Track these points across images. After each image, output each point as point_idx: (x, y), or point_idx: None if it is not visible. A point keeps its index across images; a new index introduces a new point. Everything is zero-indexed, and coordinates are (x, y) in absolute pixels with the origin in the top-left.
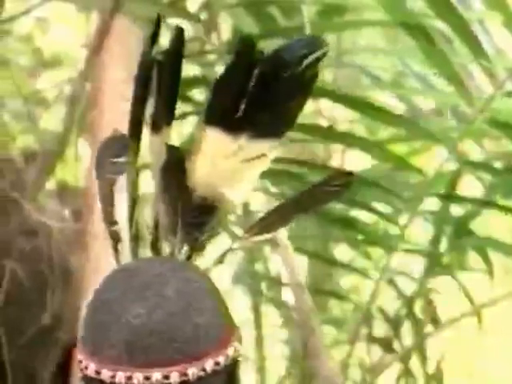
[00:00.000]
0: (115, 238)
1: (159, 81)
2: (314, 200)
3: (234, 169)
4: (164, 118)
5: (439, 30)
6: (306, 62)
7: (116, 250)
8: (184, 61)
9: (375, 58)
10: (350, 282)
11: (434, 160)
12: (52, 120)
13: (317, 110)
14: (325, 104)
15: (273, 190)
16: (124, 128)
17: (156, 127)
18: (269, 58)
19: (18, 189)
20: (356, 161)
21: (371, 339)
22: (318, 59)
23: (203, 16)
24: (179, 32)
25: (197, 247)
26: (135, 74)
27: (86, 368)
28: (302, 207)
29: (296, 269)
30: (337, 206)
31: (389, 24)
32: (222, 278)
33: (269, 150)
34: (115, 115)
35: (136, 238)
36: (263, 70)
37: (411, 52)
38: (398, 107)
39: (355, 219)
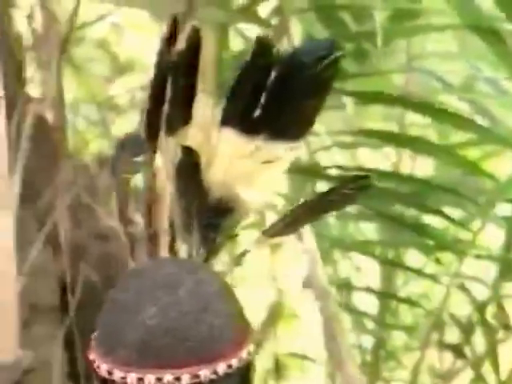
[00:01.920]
0: (131, 238)
1: (175, 82)
2: (330, 203)
3: (251, 170)
4: (179, 119)
5: (511, 32)
6: (323, 63)
7: (132, 249)
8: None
9: (446, 62)
10: (421, 287)
11: (506, 165)
12: (125, 126)
13: (387, 115)
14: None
15: None
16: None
17: (171, 129)
18: (286, 58)
19: (91, 194)
20: (427, 166)
21: (442, 345)
22: (336, 61)
23: (274, 21)
24: (195, 32)
25: (213, 249)
26: (152, 75)
27: (99, 368)
28: (318, 210)
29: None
30: (408, 212)
31: (459, 27)
32: (293, 281)
33: (286, 152)
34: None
35: (153, 239)
36: (280, 70)
37: (482, 56)
38: (469, 112)
39: (426, 224)
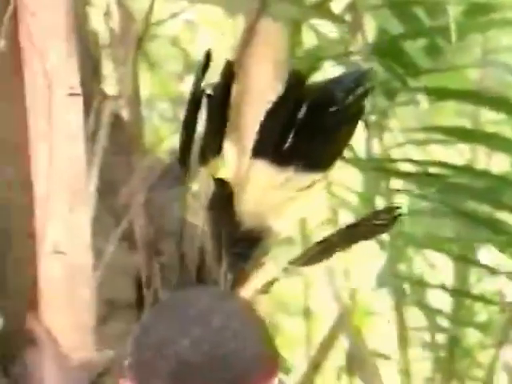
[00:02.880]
0: (162, 267)
1: (209, 113)
2: (360, 234)
3: (282, 200)
4: (212, 150)
5: None
6: (353, 95)
7: (163, 279)
8: (329, 62)
9: None
10: (495, 284)
11: None
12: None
13: (461, 111)
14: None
15: (417, 191)
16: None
17: (204, 159)
18: (317, 91)
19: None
20: (502, 162)
21: None
22: (366, 93)
23: (348, 17)
24: (229, 65)
25: (241, 277)
26: (186, 104)
27: None
28: (347, 241)
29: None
30: (482, 208)
31: None
32: (367, 278)
33: (316, 182)
34: (260, 116)
35: (182, 267)
36: (311, 103)
37: None
38: None
39: (501, 221)
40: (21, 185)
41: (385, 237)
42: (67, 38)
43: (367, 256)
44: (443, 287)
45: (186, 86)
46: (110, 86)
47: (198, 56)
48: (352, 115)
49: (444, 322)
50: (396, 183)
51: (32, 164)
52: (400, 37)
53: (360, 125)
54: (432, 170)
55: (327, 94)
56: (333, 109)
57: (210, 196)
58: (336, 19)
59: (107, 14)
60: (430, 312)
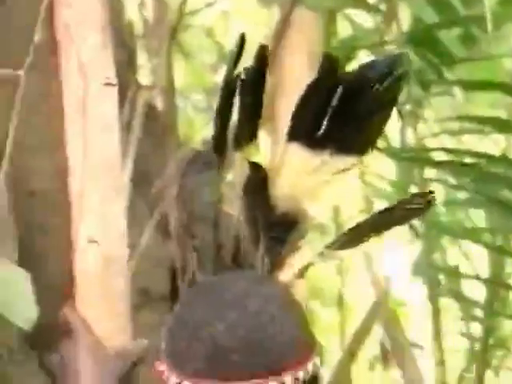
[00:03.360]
0: (197, 251)
1: (242, 98)
2: (394, 218)
3: (317, 184)
4: (247, 135)
5: None
6: (387, 80)
7: (199, 263)
8: (364, 52)
9: None
10: None
11: None
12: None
13: (496, 101)
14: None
15: (452, 181)
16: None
17: (239, 144)
18: (352, 75)
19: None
20: None
21: None
22: (401, 78)
23: (382, 6)
24: (262, 49)
25: (278, 261)
26: (220, 90)
27: (168, 379)
28: (382, 225)
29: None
30: None
31: None
32: (401, 268)
33: (351, 166)
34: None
35: (218, 251)
36: (346, 87)
37: None
38: None
39: None
40: (57, 176)
41: (420, 227)
42: (103, 29)
43: (401, 246)
44: (478, 277)
45: (220, 77)
46: (144, 77)
47: (232, 46)
48: (387, 100)
49: (479, 313)
50: (430, 173)
51: (68, 155)
52: (435, 26)
53: (394, 114)
54: (467, 159)
55: (361, 79)
56: (367, 93)
57: (244, 181)
58: (371, 8)
59: (142, 4)
60: (465, 302)
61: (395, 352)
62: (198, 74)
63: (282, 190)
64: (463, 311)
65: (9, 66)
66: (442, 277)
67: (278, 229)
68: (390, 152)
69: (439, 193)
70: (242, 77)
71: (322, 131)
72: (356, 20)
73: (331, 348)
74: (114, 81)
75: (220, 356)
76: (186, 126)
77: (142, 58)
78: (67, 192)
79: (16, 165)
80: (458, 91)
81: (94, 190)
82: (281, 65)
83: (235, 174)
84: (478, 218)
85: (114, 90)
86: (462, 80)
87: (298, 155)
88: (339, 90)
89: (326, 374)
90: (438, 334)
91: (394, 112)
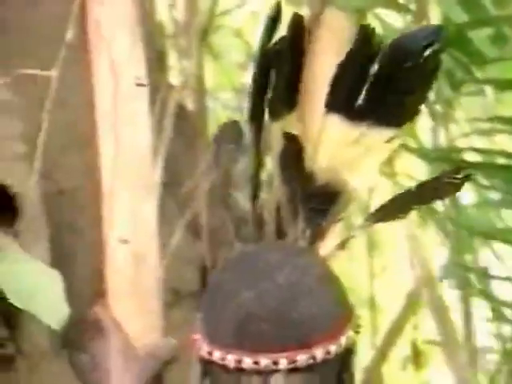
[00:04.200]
0: (236, 223)
1: (279, 68)
2: (434, 192)
3: (356, 156)
4: (283, 105)
5: None
6: (427, 52)
7: (237, 235)
8: None
9: None
10: None
11: None
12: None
13: None
14: None
15: (483, 182)
16: (319, 116)
17: (275, 115)
18: (389, 46)
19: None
20: None
21: None
22: (440, 50)
23: (412, 6)
24: (298, 18)
25: (319, 233)
26: (255, 60)
27: (200, 349)
28: (422, 198)
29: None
30: None
31: None
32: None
33: (391, 139)
34: (317, 102)
35: (259, 223)
36: (384, 58)
37: None
38: None
39: None
40: (87, 175)
41: (450, 227)
42: (133, 28)
43: (432, 247)
44: (509, 278)
45: (250, 77)
46: (174, 77)
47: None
48: (426, 72)
49: (510, 314)
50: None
51: (99, 154)
52: (465, 26)
53: (426, 114)
54: (498, 160)
55: (401, 49)
56: (406, 65)
57: (280, 152)
58: (401, 8)
59: (172, 4)
60: (496, 303)
61: (427, 352)
62: (228, 74)
63: (321, 161)
64: (494, 312)
65: (41, 64)
66: (472, 278)
67: (318, 200)
68: (421, 152)
69: (470, 194)
70: (278, 46)
71: (360, 102)
72: (386, 20)
73: (362, 348)
74: (145, 81)
75: (248, 326)
76: (216, 125)
77: (172, 59)
78: (97, 191)
79: (46, 163)
80: (488, 91)
81: (124, 189)
82: (311, 65)
83: (272, 144)
84: (510, 218)
85: (145, 90)
86: (492, 79)
87: (336, 127)
88: (377, 60)
89: (357, 375)
90: (468, 335)
91: (426, 112)
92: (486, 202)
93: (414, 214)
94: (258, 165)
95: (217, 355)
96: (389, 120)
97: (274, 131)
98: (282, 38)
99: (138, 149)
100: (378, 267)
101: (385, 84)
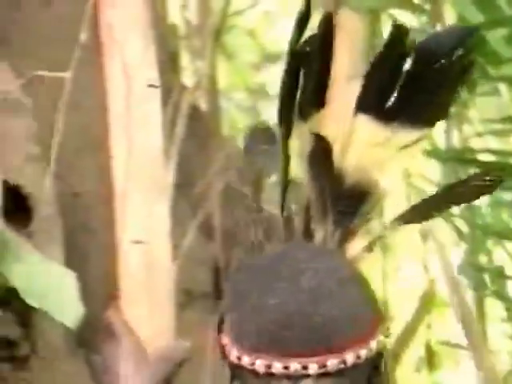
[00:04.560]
0: (264, 224)
1: (308, 68)
2: (466, 193)
3: (386, 156)
4: (312, 106)
5: None
6: (457, 52)
7: (266, 235)
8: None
9: None
10: None
11: None
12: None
13: None
14: None
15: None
16: (348, 117)
17: (304, 115)
18: (421, 46)
19: (242, 180)
20: None
21: None
22: (472, 50)
23: (427, 7)
24: (328, 17)
25: (348, 234)
26: (285, 59)
27: (229, 353)
28: (453, 199)
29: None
30: None
31: None
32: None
33: (421, 139)
34: (340, 103)
35: (288, 224)
36: (415, 58)
37: None
38: None
39: None
40: (101, 175)
41: (464, 227)
42: (146, 30)
43: (446, 248)
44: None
45: (263, 77)
46: (187, 78)
47: (275, 47)
48: (458, 72)
49: None
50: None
51: (111, 155)
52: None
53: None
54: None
55: (432, 48)
56: (439, 63)
57: (309, 152)
58: (416, 8)
59: (185, 6)
60: (510, 303)
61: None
62: (241, 74)
63: (350, 161)
64: (508, 312)
65: (54, 66)
66: (487, 278)
67: (347, 202)
68: (436, 153)
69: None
70: (307, 45)
71: (391, 103)
72: (401, 20)
73: None
74: (157, 82)
75: (277, 331)
76: (229, 126)
77: (185, 60)
78: (110, 192)
79: (60, 165)
80: (503, 91)
81: (137, 191)
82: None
83: (301, 145)
84: None
85: (157, 92)
86: (507, 79)
87: (366, 127)
88: (408, 60)
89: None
90: (483, 336)
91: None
92: (500, 202)
93: None
94: (287, 166)
95: (246, 360)
96: (419, 119)
97: (303, 132)
98: (312, 37)
99: (150, 150)
100: (391, 268)
101: (416, 84)
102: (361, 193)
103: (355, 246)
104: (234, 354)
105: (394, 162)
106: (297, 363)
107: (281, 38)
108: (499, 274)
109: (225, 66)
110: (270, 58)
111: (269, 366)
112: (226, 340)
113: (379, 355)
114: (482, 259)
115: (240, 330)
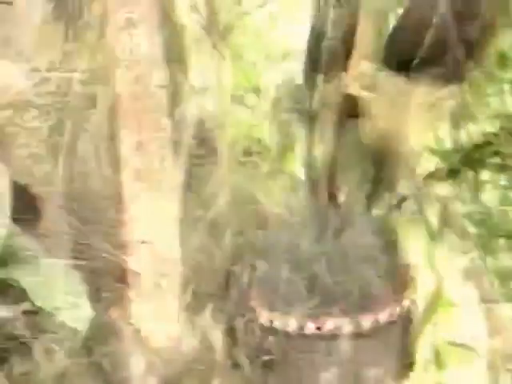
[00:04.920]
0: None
1: (333, 30)
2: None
3: (413, 113)
4: (337, 67)
5: None
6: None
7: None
8: None
9: None
10: None
11: None
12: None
13: None
14: None
15: (505, 182)
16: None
17: (329, 77)
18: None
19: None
20: None
21: None
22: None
23: None
24: None
25: (374, 197)
26: (310, 26)
27: (260, 316)
28: (477, 160)
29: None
30: None
31: None
32: (453, 269)
33: (448, 96)
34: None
35: (315, 188)
36: (445, 13)
37: None
38: None
39: None
40: (110, 177)
41: (472, 228)
42: (155, 29)
43: (453, 247)
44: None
45: (268, 78)
46: (196, 78)
47: (282, 48)
48: (489, 25)
49: None
50: (483, 175)
51: (121, 156)
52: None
53: (446, 115)
54: None
55: (464, 3)
56: (469, 19)
57: (334, 111)
58: None
59: (193, 6)
60: None
61: (448, 354)
62: (248, 74)
63: (378, 116)
64: None
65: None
66: (494, 279)
67: (372, 165)
68: (443, 154)
69: (491, 194)
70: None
71: (417, 60)
72: None
73: None
74: (165, 82)
75: (310, 291)
76: (236, 126)
77: (193, 60)
78: (119, 193)
79: (69, 166)
80: (510, 91)
81: (146, 190)
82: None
83: (326, 106)
84: None
85: (166, 91)
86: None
87: (393, 84)
88: (436, 16)
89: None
90: (490, 336)
91: (446, 113)
92: (508, 202)
93: (433, 215)
94: (312, 127)
95: (278, 322)
96: (447, 76)
97: (329, 92)
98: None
99: (159, 150)
100: None
101: (441, 42)
102: (385, 156)
103: (382, 206)
104: (265, 316)
105: (422, 118)
106: (330, 322)
107: (285, 39)
108: (507, 275)
109: (231, 66)
110: (273, 59)
111: (301, 328)
112: (255, 303)
113: (408, 316)
114: (490, 260)
115: (272, 292)
